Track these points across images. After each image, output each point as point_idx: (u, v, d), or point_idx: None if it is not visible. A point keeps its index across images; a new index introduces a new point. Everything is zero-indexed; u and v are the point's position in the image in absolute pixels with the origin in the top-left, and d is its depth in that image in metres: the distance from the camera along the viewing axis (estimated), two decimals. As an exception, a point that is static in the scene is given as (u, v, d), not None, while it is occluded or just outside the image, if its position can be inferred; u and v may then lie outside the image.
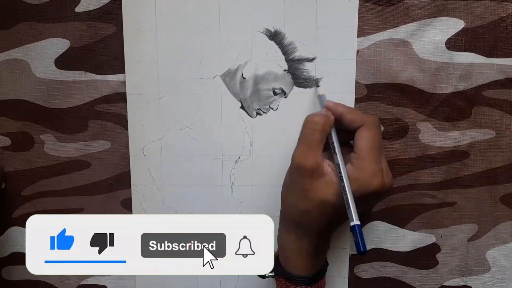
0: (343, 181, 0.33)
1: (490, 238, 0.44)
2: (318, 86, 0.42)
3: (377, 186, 0.33)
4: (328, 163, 0.35)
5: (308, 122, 0.36)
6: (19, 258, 0.48)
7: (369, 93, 0.42)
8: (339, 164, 0.34)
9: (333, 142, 0.36)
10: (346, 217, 0.34)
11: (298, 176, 0.35)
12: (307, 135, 0.36)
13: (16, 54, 0.44)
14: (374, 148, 0.34)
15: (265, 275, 0.39)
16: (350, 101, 0.42)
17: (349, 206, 0.33)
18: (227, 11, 0.42)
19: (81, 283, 0.48)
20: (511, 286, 0.44)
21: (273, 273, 0.39)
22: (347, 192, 0.33)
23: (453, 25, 0.40)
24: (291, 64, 0.42)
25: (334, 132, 0.37)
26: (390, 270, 0.45)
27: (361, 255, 0.30)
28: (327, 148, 0.37)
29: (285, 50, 0.42)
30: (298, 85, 0.42)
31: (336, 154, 0.35)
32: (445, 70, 0.41)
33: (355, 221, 0.32)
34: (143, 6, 0.42)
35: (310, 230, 0.36)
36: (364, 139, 0.34)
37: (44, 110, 0.45)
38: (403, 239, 0.44)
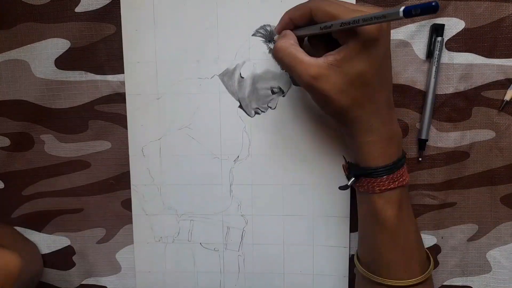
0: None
1: (490, 238, 0.43)
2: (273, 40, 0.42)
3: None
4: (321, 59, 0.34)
5: (277, 50, 0.36)
6: (19, 258, 0.48)
7: (369, 93, 0.42)
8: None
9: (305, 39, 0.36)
10: (389, 68, 0.35)
11: (319, 86, 0.34)
12: (284, 60, 0.35)
13: (16, 55, 0.44)
14: (342, 9, 0.33)
15: (347, 184, 0.39)
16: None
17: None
18: (224, 11, 0.42)
19: (82, 283, 0.48)
20: (512, 287, 0.44)
21: (353, 178, 0.38)
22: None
23: (454, 26, 0.40)
24: None
25: (302, 31, 0.36)
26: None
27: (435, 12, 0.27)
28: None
29: None
30: (296, 83, 0.42)
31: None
32: (445, 71, 0.41)
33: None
34: (141, 7, 0.42)
35: (352, 119, 0.35)
36: (326, 12, 0.33)
37: (44, 110, 0.45)
38: (404, 240, 0.44)
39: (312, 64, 0.34)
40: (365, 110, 0.35)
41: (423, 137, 0.41)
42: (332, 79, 0.33)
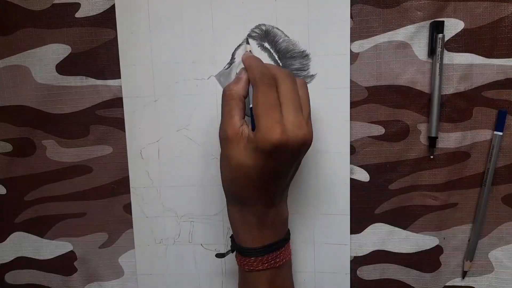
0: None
1: (492, 238, 0.43)
2: (248, 43, 0.42)
3: (277, 139, 0.32)
4: (250, 128, 0.34)
5: (223, 95, 0.36)
6: (23, 263, 0.48)
7: (370, 95, 0.42)
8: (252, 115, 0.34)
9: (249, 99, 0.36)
10: (273, 180, 0.34)
11: (223, 147, 0.35)
12: (224, 107, 0.35)
13: (16, 60, 0.44)
14: (262, 105, 0.33)
15: (223, 253, 0.40)
16: (345, 97, 0.42)
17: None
18: (219, 11, 0.42)
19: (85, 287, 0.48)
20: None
21: (229, 249, 0.39)
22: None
23: (453, 26, 0.41)
24: (285, 62, 0.42)
25: (250, 90, 0.36)
26: (393, 271, 0.45)
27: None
28: None
29: (278, 47, 0.42)
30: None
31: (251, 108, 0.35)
32: (445, 71, 0.41)
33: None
34: (136, 10, 0.42)
35: (246, 200, 0.36)
36: (253, 99, 0.34)
37: (45, 115, 0.45)
38: (406, 241, 0.44)
39: (232, 125, 0.34)
40: (246, 193, 0.35)
41: (433, 134, 0.41)
42: (232, 150, 0.34)
